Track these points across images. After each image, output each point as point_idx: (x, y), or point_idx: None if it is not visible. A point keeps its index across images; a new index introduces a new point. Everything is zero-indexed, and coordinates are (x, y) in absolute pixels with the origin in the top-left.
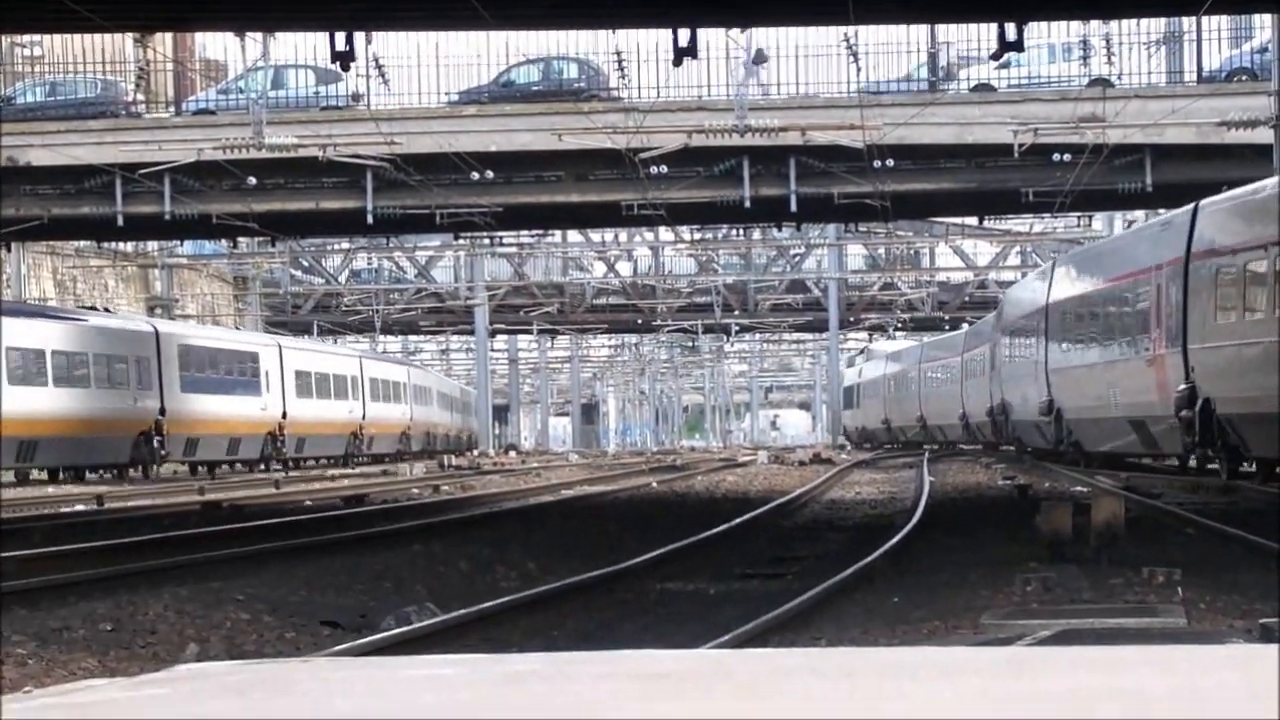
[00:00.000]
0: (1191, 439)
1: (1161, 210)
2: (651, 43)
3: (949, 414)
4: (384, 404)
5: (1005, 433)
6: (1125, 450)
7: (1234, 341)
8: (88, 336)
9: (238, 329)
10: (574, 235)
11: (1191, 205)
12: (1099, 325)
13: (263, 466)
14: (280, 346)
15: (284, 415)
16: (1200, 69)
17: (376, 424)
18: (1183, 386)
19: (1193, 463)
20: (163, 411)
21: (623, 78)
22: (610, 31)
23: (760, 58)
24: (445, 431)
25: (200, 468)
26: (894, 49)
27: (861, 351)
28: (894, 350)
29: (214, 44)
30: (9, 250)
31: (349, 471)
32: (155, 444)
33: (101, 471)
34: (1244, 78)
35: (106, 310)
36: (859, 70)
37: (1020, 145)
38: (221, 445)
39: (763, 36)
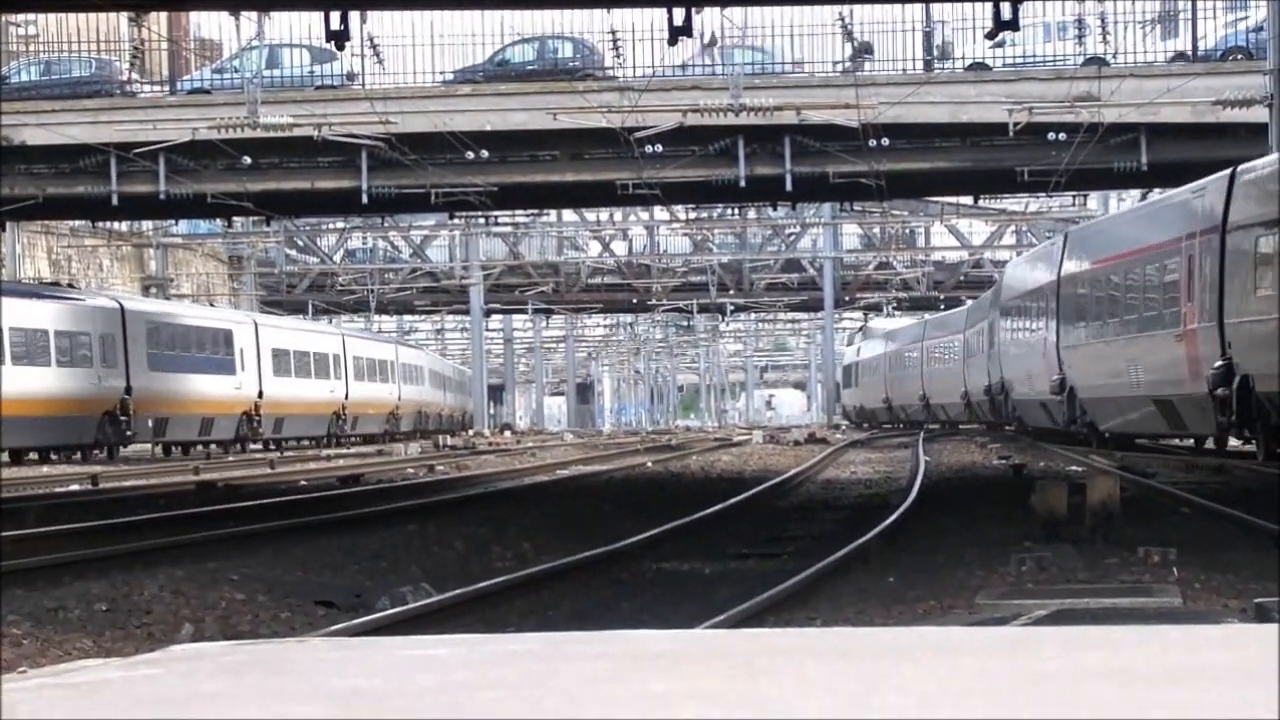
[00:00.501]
0: (1227, 418)
1: (1157, 190)
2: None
3: (951, 392)
4: (369, 383)
5: (1004, 411)
6: (1145, 430)
7: (1277, 316)
8: (49, 313)
9: (213, 305)
10: (569, 214)
11: (1227, 172)
12: (1119, 300)
13: (238, 447)
14: (255, 324)
15: (260, 395)
16: (1195, 48)
17: (361, 404)
18: (1219, 363)
19: (1216, 443)
20: (129, 390)
21: (618, 57)
22: (605, 10)
23: (713, 41)
24: (438, 411)
25: (175, 449)
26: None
27: (860, 330)
28: (895, 328)
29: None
30: (3, 230)
31: (344, 451)
32: (121, 424)
33: (67, 454)
34: (1239, 56)
35: (71, 286)
36: (854, 50)
37: (1015, 124)
38: (193, 425)
39: (757, 15)
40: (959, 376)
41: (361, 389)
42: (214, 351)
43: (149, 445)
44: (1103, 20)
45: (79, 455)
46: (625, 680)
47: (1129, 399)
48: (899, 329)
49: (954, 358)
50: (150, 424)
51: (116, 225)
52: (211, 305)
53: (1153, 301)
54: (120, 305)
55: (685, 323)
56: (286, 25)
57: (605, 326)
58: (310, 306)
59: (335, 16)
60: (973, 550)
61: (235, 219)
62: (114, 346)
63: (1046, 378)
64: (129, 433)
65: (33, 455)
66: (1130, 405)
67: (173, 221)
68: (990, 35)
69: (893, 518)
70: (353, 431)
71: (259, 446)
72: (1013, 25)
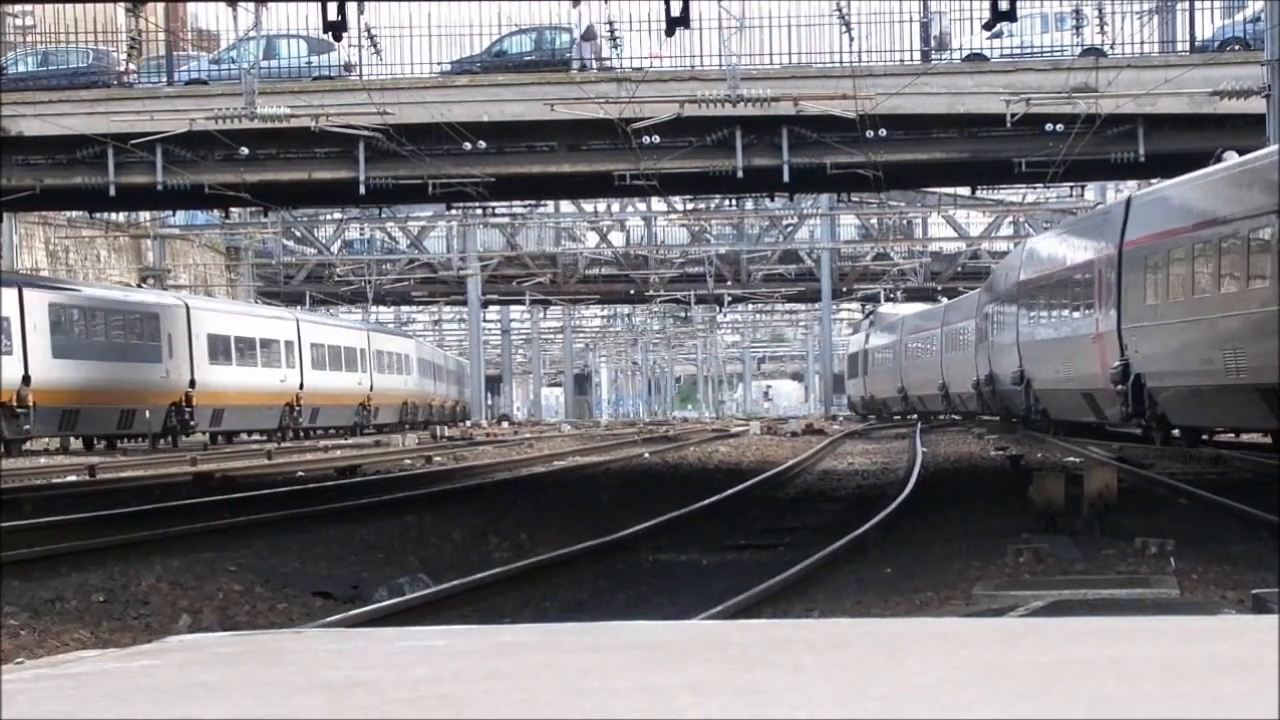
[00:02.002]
0: None
1: (1154, 180)
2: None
3: (965, 381)
4: (331, 372)
5: (1026, 404)
6: (1245, 424)
7: None
8: None
9: (140, 287)
10: (566, 205)
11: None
12: (1213, 273)
13: (167, 441)
14: (188, 306)
15: (192, 384)
16: (1193, 39)
17: (320, 394)
18: None
19: None
20: (27, 380)
21: (615, 48)
22: (602, 0)
23: (589, 34)
24: (428, 402)
25: (97, 442)
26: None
27: (868, 316)
28: (912, 313)
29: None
30: (0, 221)
31: (342, 442)
32: (18, 418)
33: None
34: (1237, 47)
35: None
36: (852, 41)
37: (1013, 115)
38: (109, 418)
39: (755, 7)
40: (971, 364)
41: (321, 378)
42: (136, 337)
43: (52, 441)
44: (1100, 11)
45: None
46: (622, 672)
47: (1223, 390)
48: (917, 313)
49: (969, 344)
50: (57, 417)
51: (114, 216)
52: (140, 287)
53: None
54: (18, 285)
55: (683, 314)
56: (284, 16)
57: (603, 317)
58: (307, 297)
59: (333, 7)
60: (970, 541)
61: (233, 210)
62: (8, 332)
63: (1093, 364)
64: (26, 427)
65: (28, 445)
66: (1224, 398)
67: (170, 212)
68: (988, 26)
69: (890, 509)
70: (312, 425)
71: (173, 442)
72: (1010, 16)
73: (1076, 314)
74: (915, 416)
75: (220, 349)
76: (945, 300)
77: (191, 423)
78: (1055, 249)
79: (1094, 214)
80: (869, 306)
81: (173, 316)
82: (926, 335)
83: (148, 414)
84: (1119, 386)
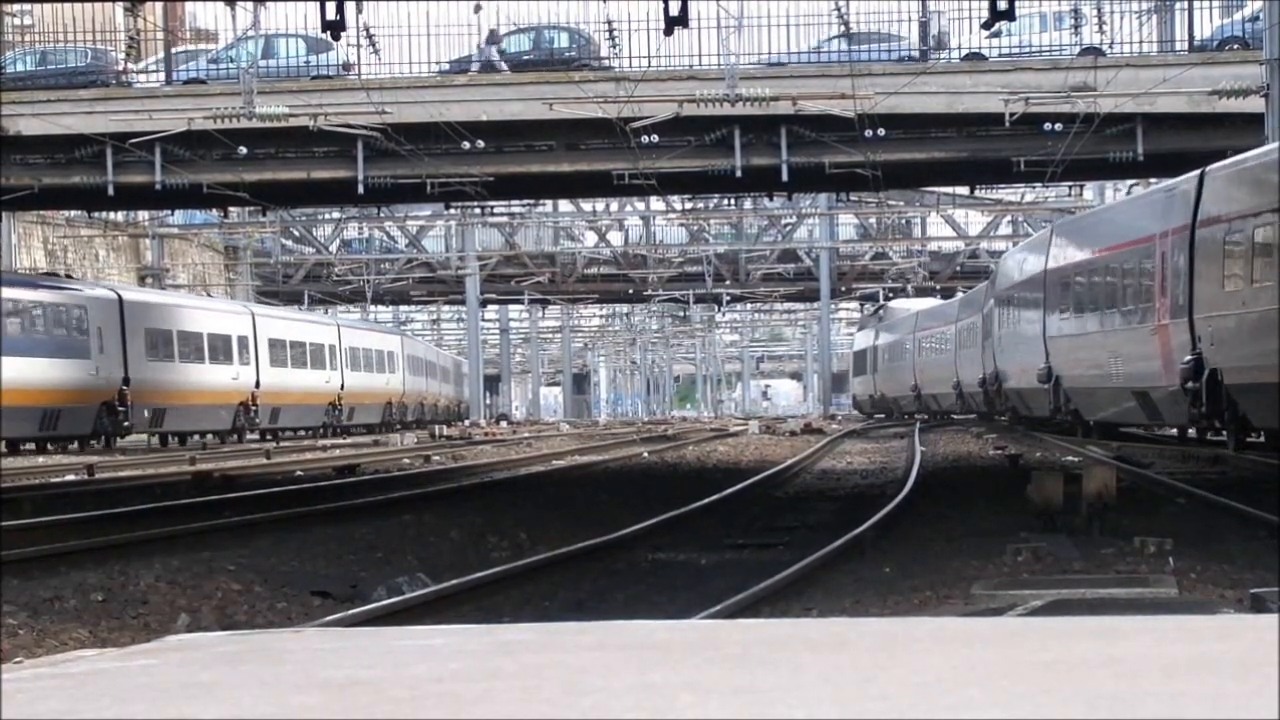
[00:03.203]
0: None
1: (1152, 180)
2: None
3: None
4: (295, 370)
5: (1055, 403)
6: None
7: None
8: None
9: (69, 277)
10: (565, 205)
11: None
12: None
13: (98, 443)
14: (120, 297)
15: (126, 381)
16: (1192, 37)
17: (279, 393)
18: None
19: None
20: None
21: (614, 47)
22: (601, 0)
23: (493, 38)
24: (419, 402)
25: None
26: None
27: (876, 311)
28: (926, 308)
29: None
30: None
31: (340, 441)
32: None
33: None
34: (1235, 46)
35: None
36: (850, 40)
37: (1011, 114)
38: (29, 418)
39: (753, 6)
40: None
41: (283, 376)
42: (58, 331)
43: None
44: (1098, 10)
45: None
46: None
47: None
48: (933, 308)
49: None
50: None
51: (112, 215)
52: (69, 277)
53: None
54: None
55: (681, 313)
56: (282, 15)
57: (601, 317)
58: (306, 297)
59: (331, 6)
60: (969, 540)
61: (231, 209)
62: None
63: (1150, 359)
64: None
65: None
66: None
67: (169, 212)
68: (986, 25)
69: (889, 508)
70: (272, 425)
71: (107, 442)
72: (1009, 15)
73: (1128, 303)
74: (926, 416)
75: (160, 344)
76: (961, 293)
77: (125, 423)
78: (1095, 233)
79: (1150, 193)
80: (868, 306)
81: (101, 310)
82: (940, 334)
83: (74, 414)
84: (1189, 384)
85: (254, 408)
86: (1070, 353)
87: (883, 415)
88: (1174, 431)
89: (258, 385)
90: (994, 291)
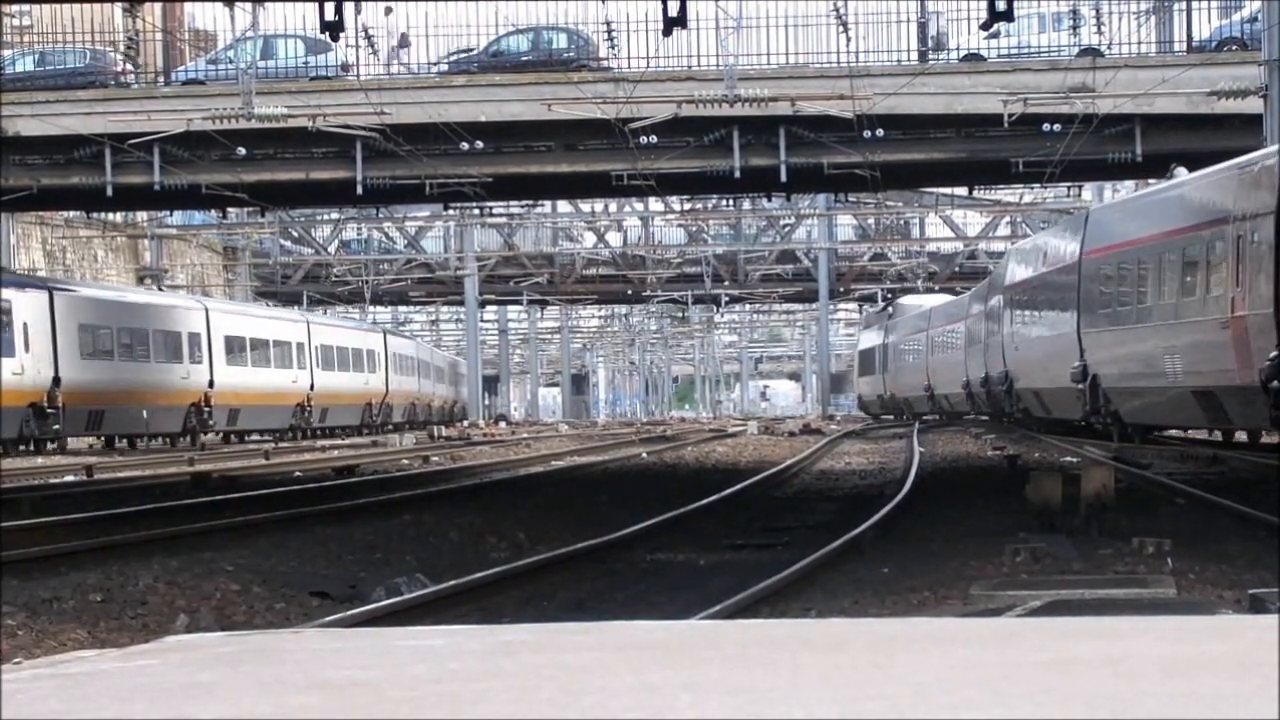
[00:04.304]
0: None
1: (1151, 180)
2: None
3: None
4: (256, 369)
5: (1094, 404)
6: None
7: None
8: None
9: None
10: (564, 205)
11: None
12: None
13: (26, 447)
14: (51, 292)
15: (56, 382)
16: (1190, 38)
17: (239, 392)
18: None
19: None
20: None
21: (612, 48)
22: (600, 1)
23: (404, 41)
24: (411, 402)
25: None
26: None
27: (884, 309)
28: (942, 304)
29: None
30: None
31: (339, 443)
32: None
33: None
34: (1234, 47)
35: None
36: (849, 41)
37: (1010, 115)
38: None
39: (752, 7)
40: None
41: (242, 375)
42: None
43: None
44: (1097, 11)
45: None
46: (620, 671)
47: None
48: (949, 304)
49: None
50: None
51: (111, 216)
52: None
53: None
54: None
55: (680, 314)
56: (281, 16)
57: (600, 318)
58: (305, 297)
59: (330, 7)
60: (967, 541)
61: (230, 210)
62: None
63: (1220, 355)
64: None
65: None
66: None
67: (167, 212)
68: (985, 26)
69: (887, 508)
70: (231, 427)
71: (35, 446)
72: (1007, 16)
73: (1192, 293)
74: (941, 416)
75: (97, 342)
76: (967, 291)
77: (55, 426)
78: (1146, 217)
79: (1216, 172)
80: (868, 306)
81: (29, 305)
82: (954, 331)
83: None
84: (1274, 383)
85: (208, 409)
86: (1112, 348)
87: (891, 417)
88: (1243, 435)
89: (211, 385)
90: (1001, 287)
